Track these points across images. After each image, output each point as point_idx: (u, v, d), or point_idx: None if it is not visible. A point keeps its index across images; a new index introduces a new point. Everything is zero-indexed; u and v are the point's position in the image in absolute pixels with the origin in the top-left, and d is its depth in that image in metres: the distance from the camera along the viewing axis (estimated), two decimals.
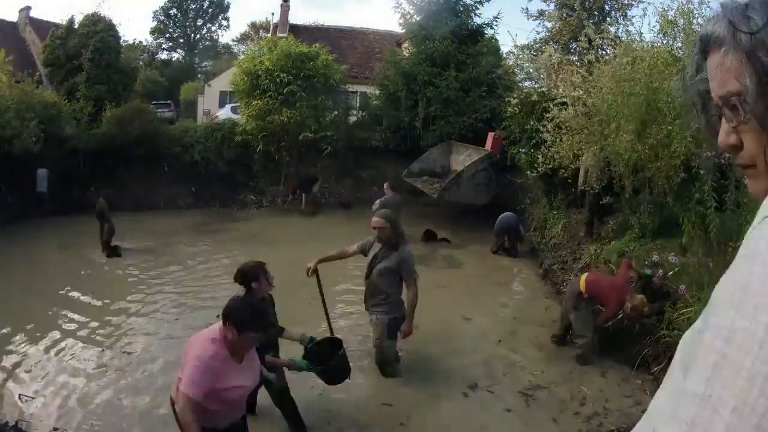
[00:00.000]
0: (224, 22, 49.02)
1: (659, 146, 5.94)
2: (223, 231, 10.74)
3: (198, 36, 48.14)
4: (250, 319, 2.69)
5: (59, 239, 10.04)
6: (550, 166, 8.64)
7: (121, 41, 18.70)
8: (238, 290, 3.60)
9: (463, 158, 12.24)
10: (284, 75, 13.07)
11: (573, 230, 9.28)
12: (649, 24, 24.10)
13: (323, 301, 4.76)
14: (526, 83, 13.29)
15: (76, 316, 6.50)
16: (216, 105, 28.54)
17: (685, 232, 6.20)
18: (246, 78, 13.45)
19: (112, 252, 8.99)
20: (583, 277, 5.76)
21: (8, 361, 5.34)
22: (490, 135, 12.06)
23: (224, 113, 21.61)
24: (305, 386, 4.54)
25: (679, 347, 0.62)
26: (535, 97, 10.21)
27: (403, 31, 16.80)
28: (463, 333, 6.39)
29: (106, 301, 7.02)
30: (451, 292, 7.85)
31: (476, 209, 12.07)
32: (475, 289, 8.05)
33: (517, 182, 11.63)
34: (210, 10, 47.78)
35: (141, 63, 32.36)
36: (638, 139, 6.04)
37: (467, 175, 11.26)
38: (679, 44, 6.33)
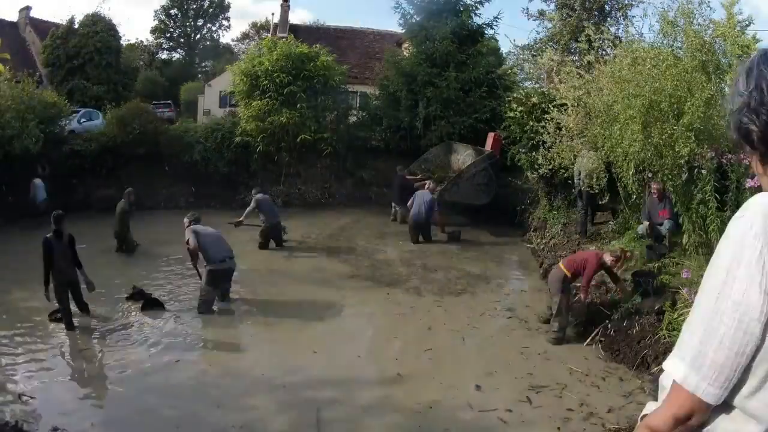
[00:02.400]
0: (225, 22, 49.05)
1: (663, 146, 5.93)
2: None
3: (198, 36, 48.13)
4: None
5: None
6: (550, 166, 8.65)
7: (121, 41, 18.69)
8: None
9: (463, 158, 12.21)
10: (284, 76, 13.07)
11: (572, 230, 9.30)
12: (649, 24, 24.08)
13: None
14: (527, 83, 13.30)
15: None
16: (216, 105, 28.57)
17: (685, 232, 6.21)
18: (245, 79, 13.45)
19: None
20: (561, 264, 6.28)
21: (8, 361, 5.35)
22: (491, 135, 12.03)
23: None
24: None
25: None
26: (535, 99, 10.20)
27: (403, 31, 16.78)
28: (463, 333, 6.39)
29: (102, 299, 7.01)
30: (451, 292, 7.84)
31: (475, 209, 12.07)
32: (475, 288, 8.04)
33: (516, 183, 11.62)
34: (210, 10, 47.77)
35: (141, 63, 32.42)
36: (645, 140, 6.04)
37: (467, 175, 11.25)
38: (679, 45, 6.32)
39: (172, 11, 46.50)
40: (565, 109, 8.45)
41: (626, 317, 6.02)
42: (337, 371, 5.43)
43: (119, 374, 5.16)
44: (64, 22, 18.54)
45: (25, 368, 5.21)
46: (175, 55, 47.23)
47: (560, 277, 6.11)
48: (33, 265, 8.23)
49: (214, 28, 48.74)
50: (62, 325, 6.17)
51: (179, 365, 5.41)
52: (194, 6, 47.07)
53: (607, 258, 6.16)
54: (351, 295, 7.66)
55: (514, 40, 31.59)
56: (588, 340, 5.99)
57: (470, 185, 11.30)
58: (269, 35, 22.31)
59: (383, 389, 5.11)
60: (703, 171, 5.81)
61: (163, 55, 45.55)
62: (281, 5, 25.05)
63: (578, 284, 6.33)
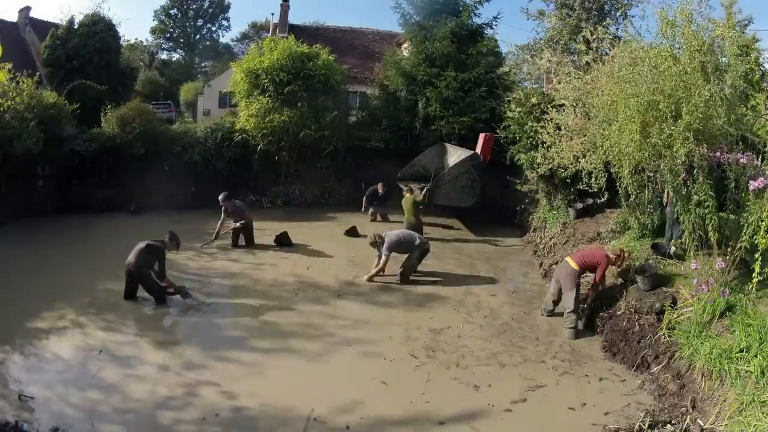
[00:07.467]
0: (224, 22, 49.08)
1: (662, 146, 5.92)
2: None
3: (198, 36, 48.15)
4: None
5: (59, 239, 10.03)
6: (549, 166, 8.65)
7: (121, 41, 18.69)
8: None
9: (454, 160, 12.03)
10: (284, 75, 13.05)
11: (572, 230, 9.30)
12: (647, 25, 23.93)
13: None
14: (526, 83, 13.30)
15: (74, 316, 6.51)
16: (216, 105, 28.59)
17: (684, 232, 6.21)
18: (246, 77, 13.44)
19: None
20: (568, 258, 6.62)
21: (9, 360, 5.35)
22: (482, 136, 11.72)
23: None
24: None
25: None
26: (534, 99, 10.19)
27: (403, 31, 16.77)
28: (463, 333, 6.40)
29: (99, 301, 7.01)
30: (451, 291, 7.85)
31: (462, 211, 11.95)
32: (475, 288, 8.04)
33: (515, 182, 11.58)
34: (210, 10, 47.79)
35: (141, 63, 32.43)
36: (643, 140, 6.04)
37: (449, 178, 11.03)
38: (678, 45, 6.32)
39: (172, 11, 46.53)
40: (563, 109, 8.45)
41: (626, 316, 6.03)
42: (406, 407, 4.67)
43: (123, 378, 5.16)
44: (64, 23, 18.53)
45: (25, 368, 5.21)
46: (175, 55, 47.26)
47: (573, 273, 6.37)
48: (31, 265, 8.26)
49: (213, 29, 48.81)
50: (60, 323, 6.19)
51: (202, 387, 4.97)
52: (194, 6, 47.11)
53: (611, 256, 6.53)
54: (396, 313, 6.98)
55: (513, 45, 31.67)
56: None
57: (452, 188, 11.09)
58: (269, 35, 22.30)
59: (470, 429, 4.43)
60: (702, 171, 5.76)
61: (163, 56, 45.54)
62: (281, 5, 25.03)
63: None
